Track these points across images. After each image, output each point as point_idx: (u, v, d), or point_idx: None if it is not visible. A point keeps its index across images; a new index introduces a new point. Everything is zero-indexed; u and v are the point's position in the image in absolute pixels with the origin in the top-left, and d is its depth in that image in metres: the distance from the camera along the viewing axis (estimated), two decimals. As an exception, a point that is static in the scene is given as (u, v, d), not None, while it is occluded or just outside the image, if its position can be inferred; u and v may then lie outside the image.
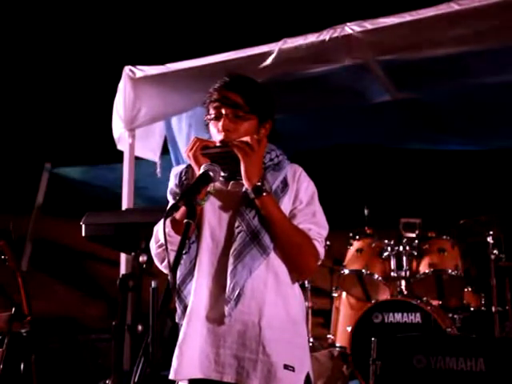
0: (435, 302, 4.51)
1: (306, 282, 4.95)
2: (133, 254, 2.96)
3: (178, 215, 1.85)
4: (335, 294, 5.06)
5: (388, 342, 3.18)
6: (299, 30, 3.98)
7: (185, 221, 1.68)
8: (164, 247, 1.78)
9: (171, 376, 1.85)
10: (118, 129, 4.77)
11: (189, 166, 1.99)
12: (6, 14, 7.11)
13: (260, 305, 1.86)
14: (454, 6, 3.48)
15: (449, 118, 4.96)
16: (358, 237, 4.92)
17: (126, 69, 4.59)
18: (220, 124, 1.93)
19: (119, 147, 4.93)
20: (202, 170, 1.84)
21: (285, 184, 1.94)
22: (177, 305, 1.91)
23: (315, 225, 1.94)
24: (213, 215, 1.93)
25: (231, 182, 1.98)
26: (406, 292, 4.49)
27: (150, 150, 5.16)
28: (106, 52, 7.28)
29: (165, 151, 5.23)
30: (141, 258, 2.79)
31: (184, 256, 1.88)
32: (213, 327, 1.86)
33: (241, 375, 1.82)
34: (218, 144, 1.93)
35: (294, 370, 1.84)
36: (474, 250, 5.05)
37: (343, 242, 4.99)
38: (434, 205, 6.80)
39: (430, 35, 3.67)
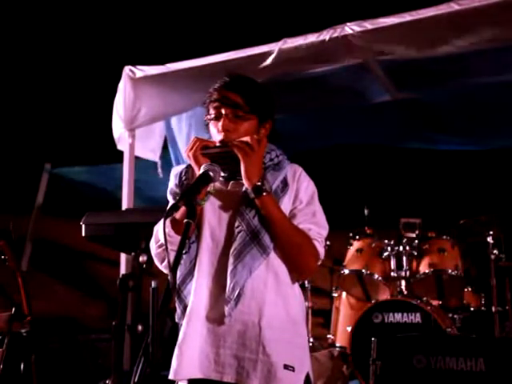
0: (435, 302, 4.51)
1: (306, 282, 4.95)
2: (133, 254, 2.96)
3: (177, 215, 1.85)
4: (335, 294, 5.06)
5: (388, 342, 3.18)
6: (299, 29, 3.98)
7: (185, 221, 1.68)
8: (164, 247, 1.78)
9: (171, 376, 1.85)
10: (118, 129, 4.77)
11: (189, 166, 1.99)
12: (6, 14, 7.11)
13: (260, 305, 1.86)
14: (454, 6, 3.48)
15: (449, 118, 4.96)
16: (357, 237, 4.91)
17: (126, 69, 4.59)
18: (220, 124, 1.93)
19: (119, 147, 4.93)
20: (202, 170, 1.84)
21: (285, 184, 1.94)
22: (177, 305, 1.91)
23: (315, 225, 1.94)
24: (213, 215, 1.93)
25: (231, 182, 1.98)
26: (405, 292, 4.49)
27: (149, 150, 5.16)
28: (106, 52, 7.28)
29: (165, 151, 5.23)
30: (141, 258, 2.79)
31: (184, 256, 1.88)
32: (213, 327, 1.86)
33: (241, 375, 1.82)
34: (217, 144, 1.93)
35: (293, 370, 1.84)
36: (474, 250, 5.05)
37: (343, 241, 4.99)
38: (434, 205, 6.81)
39: (430, 35, 3.67)
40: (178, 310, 1.91)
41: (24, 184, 6.77)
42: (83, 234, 2.98)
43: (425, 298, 4.43)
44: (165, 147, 5.23)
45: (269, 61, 3.99)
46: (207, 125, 2.02)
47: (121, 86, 4.61)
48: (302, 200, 1.95)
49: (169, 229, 1.85)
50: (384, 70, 4.29)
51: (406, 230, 4.74)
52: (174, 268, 1.62)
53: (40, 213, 6.49)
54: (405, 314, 4.06)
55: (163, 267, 1.96)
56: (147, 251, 2.18)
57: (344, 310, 4.96)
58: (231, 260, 1.84)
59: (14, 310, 3.11)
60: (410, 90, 4.59)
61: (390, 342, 3.19)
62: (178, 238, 1.75)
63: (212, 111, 1.97)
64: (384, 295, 4.67)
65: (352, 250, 4.85)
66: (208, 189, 1.90)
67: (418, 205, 6.25)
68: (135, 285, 2.88)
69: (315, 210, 1.96)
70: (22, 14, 7.33)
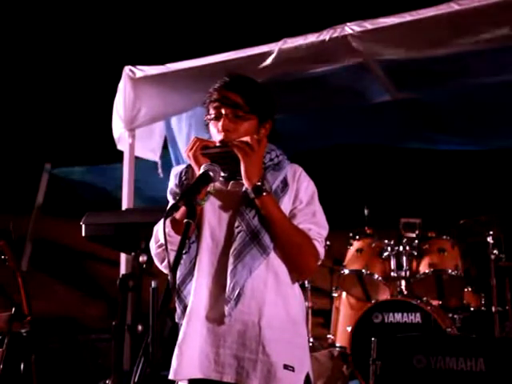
0: (435, 302, 4.51)
1: (306, 282, 4.95)
2: (133, 254, 2.97)
3: (178, 215, 1.85)
4: (335, 294, 5.06)
5: (388, 342, 3.18)
6: (299, 29, 3.98)
7: (185, 221, 1.68)
8: (164, 247, 1.77)
9: (171, 376, 1.85)
10: (118, 129, 4.77)
11: (189, 166, 1.99)
12: (7, 14, 7.11)
13: (260, 305, 1.86)
14: (454, 6, 3.49)
15: (449, 118, 4.96)
16: (358, 237, 4.91)
17: (126, 69, 4.59)
18: (220, 124, 1.93)
19: (119, 147, 4.93)
20: (202, 170, 1.84)
21: (285, 184, 1.94)
22: (177, 305, 1.91)
23: (315, 225, 1.94)
24: (213, 215, 1.93)
25: (231, 182, 1.98)
26: (406, 292, 4.49)
27: (149, 150, 5.17)
28: (106, 52, 7.28)
29: (165, 151, 5.23)
30: (141, 258, 2.79)
31: (184, 256, 1.88)
32: (213, 327, 1.86)
33: (240, 375, 1.82)
34: (217, 144, 1.93)
35: (293, 370, 1.84)
36: (474, 249, 5.05)
37: (343, 241, 4.99)
38: (434, 205, 6.81)
39: (430, 35, 3.67)
40: (178, 310, 1.91)
41: (24, 184, 6.77)
42: (83, 234, 2.98)
43: (425, 298, 4.42)
44: (165, 147, 5.23)
45: (269, 61, 3.99)
46: (207, 125, 2.02)
47: (121, 85, 4.61)
48: (301, 200, 1.95)
49: (169, 229, 1.85)
50: (384, 70, 4.29)
51: (406, 230, 4.74)
52: (173, 268, 1.62)
53: (40, 213, 6.49)
54: (405, 314, 4.06)
55: (163, 267, 1.96)
56: (147, 251, 2.18)
57: (344, 310, 4.96)
58: (231, 260, 1.84)
59: (13, 310, 3.11)
60: (410, 89, 4.59)
61: (390, 342, 3.19)
62: (178, 238, 1.75)
63: (212, 111, 1.97)
64: (384, 295, 4.67)
65: (352, 250, 4.85)
66: (208, 189, 1.90)
67: (418, 205, 6.25)
68: (135, 285, 2.88)
69: (315, 210, 1.96)
70: (22, 13, 7.33)
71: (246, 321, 1.85)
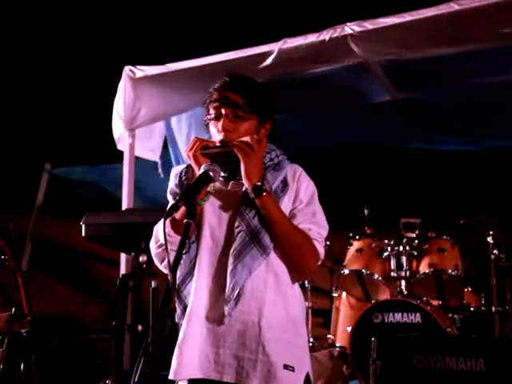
0: (435, 302, 4.51)
1: (306, 282, 4.95)
2: (133, 254, 2.96)
3: (177, 215, 1.85)
4: (335, 294, 5.06)
5: (388, 341, 3.18)
6: (299, 29, 3.98)
7: (185, 221, 1.68)
8: (164, 247, 1.78)
9: (171, 376, 1.85)
10: (118, 129, 4.77)
11: (189, 166, 1.99)
12: (7, 14, 7.11)
13: (260, 305, 1.86)
14: (454, 6, 3.48)
15: (449, 118, 4.95)
16: (358, 237, 4.91)
17: (126, 69, 4.59)
18: (220, 124, 1.93)
19: (119, 147, 4.93)
20: (202, 170, 1.84)
21: (285, 184, 1.94)
22: (177, 305, 1.91)
23: (315, 225, 1.94)
24: (213, 215, 1.93)
25: (231, 182, 1.98)
26: (406, 292, 4.49)
27: (149, 150, 5.16)
28: (106, 52, 7.28)
29: (165, 151, 5.23)
30: (141, 258, 2.78)
31: (184, 256, 1.88)
32: (212, 327, 1.86)
33: (240, 375, 1.82)
34: (217, 144, 1.93)
35: (293, 370, 1.84)
36: (474, 250, 5.05)
37: (343, 241, 4.99)
38: (434, 205, 6.81)
39: (430, 35, 3.67)
40: (178, 310, 1.91)
41: (24, 184, 6.77)
42: (83, 234, 2.98)
43: (425, 298, 4.42)
44: (165, 147, 5.23)
45: (269, 61, 3.99)
46: (207, 125, 2.02)
47: (121, 86, 4.61)
48: (301, 200, 1.95)
49: (169, 229, 1.85)
50: (384, 70, 4.29)
51: (406, 230, 4.74)
52: (173, 268, 1.62)
53: (40, 213, 6.49)
54: (405, 314, 4.06)
55: (163, 267, 1.96)
56: (147, 251, 2.18)
57: (344, 310, 4.96)
58: (231, 260, 1.84)
59: (13, 310, 3.11)
60: (410, 89, 4.58)
61: (390, 342, 3.19)
62: (178, 237, 1.75)
63: (212, 111, 1.97)
64: (384, 295, 4.67)
65: (352, 250, 4.85)
66: (208, 189, 1.90)
67: (418, 205, 6.25)
68: (135, 285, 2.88)
69: (315, 210, 1.96)
70: (22, 13, 7.33)
71: (245, 321, 1.85)
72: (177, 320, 1.92)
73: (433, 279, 4.64)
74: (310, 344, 4.68)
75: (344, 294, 4.99)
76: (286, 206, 1.93)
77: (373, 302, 4.39)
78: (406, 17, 3.65)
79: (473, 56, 3.83)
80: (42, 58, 7.46)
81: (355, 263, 4.75)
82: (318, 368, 4.09)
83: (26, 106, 7.48)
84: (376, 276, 4.65)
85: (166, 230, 1.71)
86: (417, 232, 4.73)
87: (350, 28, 3.76)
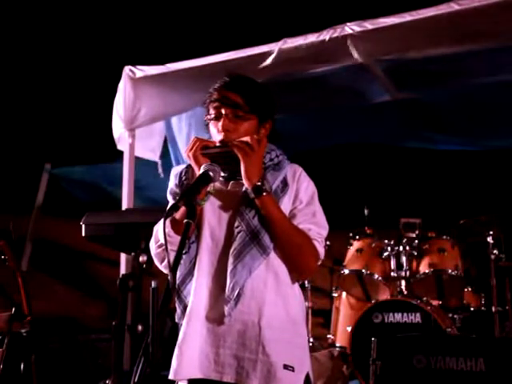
0: (435, 302, 4.51)
1: (306, 282, 4.95)
2: (133, 254, 2.97)
3: (177, 215, 1.85)
4: (335, 294, 5.06)
5: (388, 341, 3.18)
6: (299, 29, 3.98)
7: (185, 221, 1.68)
8: (164, 247, 1.78)
9: (171, 376, 1.85)
10: (118, 129, 4.77)
11: (189, 166, 1.99)
12: (7, 14, 7.11)
13: (260, 305, 1.86)
14: (454, 6, 3.48)
15: (449, 118, 4.95)
16: (358, 237, 4.91)
17: (126, 69, 4.59)
18: (220, 124, 1.93)
19: (119, 147, 4.93)
20: (202, 170, 1.84)
21: (285, 184, 1.94)
22: (177, 305, 1.91)
23: (315, 225, 1.94)
24: (213, 215, 1.93)
25: (231, 182, 1.98)
26: (406, 292, 4.49)
27: (149, 150, 5.16)
28: (106, 52, 7.28)
29: (165, 151, 5.23)
30: (141, 258, 2.79)
31: (184, 256, 1.88)
32: (212, 327, 1.86)
33: (240, 375, 1.82)
34: (217, 144, 1.93)
35: (293, 370, 1.84)
36: (474, 249, 5.05)
37: (343, 241, 4.99)
38: (434, 205, 6.81)
39: (430, 35, 3.67)
40: (178, 310, 1.91)
41: (24, 184, 6.77)
42: (83, 234, 2.98)
43: (425, 298, 4.43)
44: (165, 147, 5.23)
45: (269, 61, 3.99)
46: (207, 125, 2.02)
47: (121, 86, 4.61)
48: (301, 200, 1.95)
49: (169, 229, 1.85)
50: (384, 70, 4.29)
51: (406, 230, 4.74)
52: (173, 268, 1.62)
53: (40, 213, 6.49)
54: (405, 314, 4.06)
55: (163, 267, 1.96)
56: (147, 251, 2.18)
57: (344, 310, 4.96)
58: (231, 260, 1.84)
59: (14, 310, 3.11)
60: (409, 90, 4.58)
61: (390, 342, 3.19)
62: (178, 238, 1.75)
63: (212, 111, 1.97)
64: (384, 295, 4.67)
65: (352, 250, 4.85)
66: (208, 189, 1.90)
67: (418, 205, 6.25)
68: (135, 285, 2.88)
69: (315, 210, 1.96)
70: (22, 13, 7.33)
71: (245, 321, 1.85)
72: (177, 320, 1.92)
73: (433, 279, 4.64)
74: (310, 344, 4.68)
75: (344, 294, 4.99)
76: (285, 206, 1.93)
77: (373, 301, 4.39)
78: (406, 17, 3.64)
79: (472, 56, 3.83)
80: (42, 58, 7.46)
81: (355, 263, 4.75)
82: (318, 368, 4.09)
83: (26, 106, 7.48)
84: (376, 276, 4.65)
85: (166, 230, 1.71)
86: (417, 232, 4.74)
87: (350, 28, 3.76)
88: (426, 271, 4.57)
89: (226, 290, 1.83)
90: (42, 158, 6.54)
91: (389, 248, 4.66)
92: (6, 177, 6.90)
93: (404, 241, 4.64)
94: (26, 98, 7.42)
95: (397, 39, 3.75)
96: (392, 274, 4.62)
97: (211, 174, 1.82)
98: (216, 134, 1.96)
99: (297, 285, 1.97)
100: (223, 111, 1.94)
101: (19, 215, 5.91)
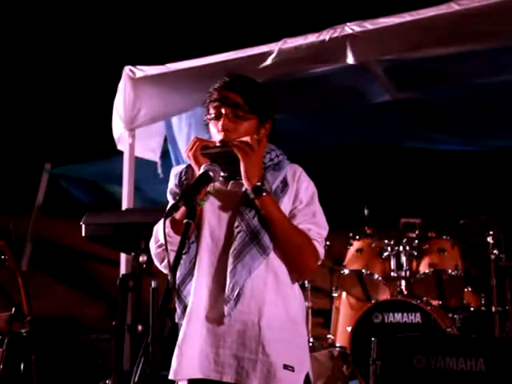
0: (435, 302, 4.51)
1: (306, 282, 4.95)
2: (133, 254, 2.97)
3: (177, 215, 1.85)
4: (335, 294, 5.06)
5: (388, 341, 3.18)
6: (299, 29, 3.98)
7: (184, 221, 1.68)
8: (164, 247, 1.78)
9: (171, 376, 1.85)
10: (118, 129, 4.77)
11: (189, 166, 1.99)
12: (7, 14, 7.11)
13: (260, 305, 1.86)
14: (454, 6, 3.48)
15: (449, 118, 4.95)
16: (358, 237, 4.91)
17: (126, 69, 4.59)
18: (220, 124, 1.93)
19: (119, 147, 4.93)
20: (201, 170, 1.84)
21: (285, 184, 1.94)
22: (176, 305, 1.91)
23: (315, 225, 1.94)
24: (212, 215, 1.93)
25: (231, 182, 1.98)
26: (406, 292, 4.49)
27: (149, 150, 5.16)
28: (106, 52, 7.28)
29: (165, 151, 5.23)
30: (141, 258, 2.79)
31: (184, 256, 1.88)
32: (212, 327, 1.86)
33: (240, 375, 1.82)
34: (217, 144, 1.93)
35: (293, 370, 1.84)
36: (474, 249, 5.05)
37: (343, 241, 4.99)
38: (434, 205, 6.81)
39: (430, 35, 3.66)
40: (178, 310, 1.91)
41: (24, 184, 6.77)
42: (83, 234, 2.99)
43: (425, 298, 4.43)
44: (165, 147, 5.23)
45: (269, 61, 3.98)
46: (207, 124, 2.02)
47: (121, 86, 4.61)
48: (301, 200, 1.95)
49: (168, 229, 1.85)
50: (384, 70, 4.29)
51: (406, 230, 4.74)
52: (173, 268, 1.62)
53: (40, 213, 6.49)
54: (405, 314, 4.06)
55: (163, 267, 1.96)
56: (147, 251, 2.18)
57: (344, 310, 4.96)
58: (231, 260, 1.84)
59: (14, 310, 3.11)
60: (409, 89, 4.58)
61: (390, 342, 3.19)
62: (178, 238, 1.75)
63: (212, 111, 1.97)
64: (384, 295, 4.67)
65: (352, 250, 4.85)
66: (208, 189, 1.90)
67: (418, 205, 6.25)
68: (135, 285, 2.88)
69: (315, 211, 1.96)
70: (22, 13, 7.33)
71: (245, 321, 1.85)
72: (177, 320, 1.92)
73: (433, 279, 4.64)
74: (310, 344, 4.68)
75: (344, 294, 4.99)
76: (285, 206, 1.93)
77: (373, 301, 4.39)
78: (406, 17, 3.64)
79: (473, 56, 3.83)
80: (42, 58, 7.46)
81: (355, 263, 4.75)
82: (318, 368, 4.09)
83: (26, 106, 7.48)
84: (376, 276, 4.65)
85: (166, 230, 1.71)
86: (417, 232, 4.74)
87: (350, 28, 3.76)
88: (426, 271, 4.57)
89: (226, 290, 1.83)
90: (42, 158, 6.54)
91: (389, 248, 4.66)
92: (6, 177, 6.90)
93: (404, 241, 4.64)
94: (26, 98, 7.42)
95: (397, 39, 3.74)
96: (392, 273, 4.62)
97: (211, 173, 1.82)
98: (216, 134, 1.96)
99: (297, 285, 1.97)
100: (223, 111, 1.94)
101: (19, 215, 5.91)
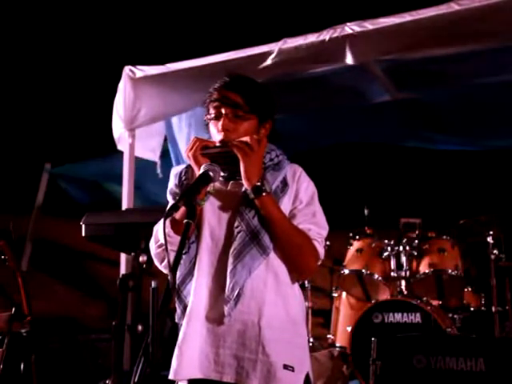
0: (435, 302, 4.51)
1: (306, 282, 4.95)
2: (133, 254, 2.97)
3: (177, 215, 1.85)
4: (335, 294, 5.06)
5: (388, 342, 3.18)
6: (299, 29, 3.98)
7: (184, 221, 1.68)
8: (164, 247, 1.78)
9: (171, 376, 1.85)
10: (118, 129, 4.77)
11: (189, 166, 1.99)
12: (7, 14, 7.11)
13: (260, 305, 1.86)
14: (454, 6, 3.48)
15: (449, 118, 4.95)
16: (358, 237, 4.91)
17: (126, 69, 4.59)
18: (220, 124, 1.93)
19: (119, 147, 4.93)
20: (201, 170, 1.84)
21: (284, 184, 1.94)
22: (176, 305, 1.91)
23: (315, 225, 1.94)
24: (212, 215, 1.93)
25: (231, 182, 1.98)
26: (406, 292, 4.49)
27: (149, 150, 5.16)
28: (106, 52, 7.28)
29: (165, 151, 5.23)
30: (141, 258, 2.79)
31: (184, 256, 1.88)
32: (212, 327, 1.86)
33: (240, 375, 1.82)
34: (217, 144, 1.93)
35: (293, 370, 1.84)
36: (474, 249, 5.05)
37: (343, 241, 4.99)
38: (434, 205, 6.80)
39: (430, 35, 3.66)
40: (178, 310, 1.91)
41: (24, 184, 6.77)
42: (83, 234, 2.99)
43: (425, 298, 4.43)
44: (165, 147, 5.23)
45: (269, 61, 3.98)
46: (207, 124, 2.02)
47: (121, 85, 4.61)
48: (301, 200, 1.95)
49: (168, 229, 1.85)
50: (384, 70, 4.29)
51: (405, 230, 4.74)
52: (173, 268, 1.62)
53: (40, 213, 6.49)
54: (405, 314, 4.06)
55: (163, 267, 1.96)
56: (147, 251, 2.18)
57: (344, 310, 4.96)
58: (231, 260, 1.84)
59: (14, 310, 3.11)
60: (409, 89, 4.58)
61: (390, 342, 3.19)
62: (178, 238, 1.75)
63: (212, 111, 1.97)
64: (384, 295, 4.67)
65: (352, 250, 4.85)
66: (208, 189, 1.90)
67: (418, 205, 6.25)
68: (135, 285, 2.88)
69: (315, 211, 1.96)
70: (22, 13, 7.33)
71: (245, 321, 1.85)
72: (177, 320, 1.92)
73: (433, 279, 4.64)
74: (310, 344, 4.68)
75: (344, 294, 4.99)
76: (285, 206, 1.93)
77: (373, 301, 4.39)
78: (406, 17, 3.64)
79: (473, 56, 3.83)
80: (42, 58, 7.46)
81: (355, 263, 4.75)
82: (318, 368, 4.09)
83: (26, 106, 7.48)
84: (376, 276, 4.65)
85: (166, 230, 1.72)
86: (417, 232, 4.74)
87: (350, 28, 3.76)
88: (426, 271, 4.57)
89: (226, 290, 1.83)
90: (42, 158, 6.54)
91: (389, 248, 4.66)
92: (6, 177, 6.90)
93: (404, 241, 4.64)
94: (26, 98, 7.42)
95: (397, 39, 3.74)
96: (392, 274, 4.62)
97: (211, 174, 1.82)
98: (216, 134, 1.96)
99: (297, 285, 1.97)
100: (223, 111, 1.94)
101: (19, 215, 5.91)
